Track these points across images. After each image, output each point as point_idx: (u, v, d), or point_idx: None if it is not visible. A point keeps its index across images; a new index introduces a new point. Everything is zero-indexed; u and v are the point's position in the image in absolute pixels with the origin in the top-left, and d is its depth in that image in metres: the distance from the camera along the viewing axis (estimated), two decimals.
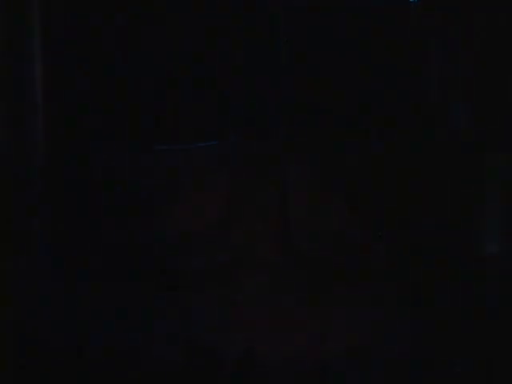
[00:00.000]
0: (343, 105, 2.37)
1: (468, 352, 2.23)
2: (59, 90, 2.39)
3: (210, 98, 2.41)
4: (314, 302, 2.27)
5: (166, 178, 2.35)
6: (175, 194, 2.36)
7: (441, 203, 2.34)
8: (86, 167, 2.36)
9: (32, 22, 2.36)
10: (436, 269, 2.32)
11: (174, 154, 2.36)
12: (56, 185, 2.36)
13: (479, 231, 2.31)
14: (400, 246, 2.33)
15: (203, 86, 2.42)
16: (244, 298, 2.31)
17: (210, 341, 2.15)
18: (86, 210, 2.31)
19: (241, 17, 2.39)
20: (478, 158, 2.29)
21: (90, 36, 2.40)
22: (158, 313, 2.26)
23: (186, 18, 2.44)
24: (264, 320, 2.22)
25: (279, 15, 2.32)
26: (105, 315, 2.24)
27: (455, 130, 2.33)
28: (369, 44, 2.38)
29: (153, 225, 2.31)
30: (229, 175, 2.31)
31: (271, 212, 2.35)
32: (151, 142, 2.45)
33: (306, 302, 2.27)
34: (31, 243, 2.31)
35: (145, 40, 2.42)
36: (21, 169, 2.30)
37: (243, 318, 2.24)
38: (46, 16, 2.39)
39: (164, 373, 2.08)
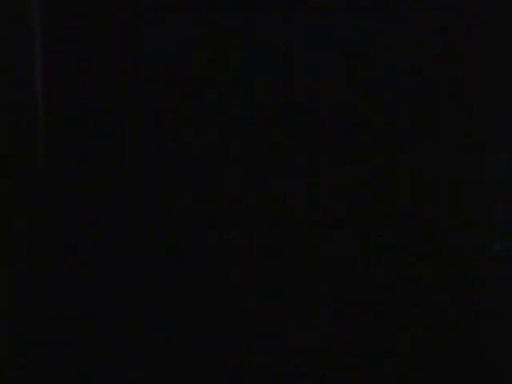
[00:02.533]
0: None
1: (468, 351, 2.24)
2: (59, 90, 2.40)
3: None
4: None
5: None
6: None
7: (440, 203, 2.35)
8: (87, 167, 2.37)
9: (32, 22, 2.36)
10: (436, 269, 2.32)
11: None
12: (57, 185, 2.37)
13: (479, 231, 2.31)
14: (399, 245, 2.34)
15: (203, 86, 2.42)
16: None
17: None
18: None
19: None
20: (478, 158, 2.30)
21: (90, 36, 2.40)
22: None
23: (186, 18, 2.45)
24: None
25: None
26: None
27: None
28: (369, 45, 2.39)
29: None
30: None
31: None
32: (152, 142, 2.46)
33: None
34: (32, 243, 2.32)
35: (145, 40, 2.42)
36: (21, 169, 2.31)
37: None
38: (46, 16, 2.40)
39: None
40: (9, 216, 2.25)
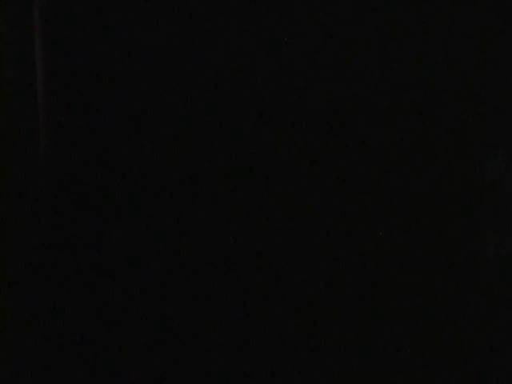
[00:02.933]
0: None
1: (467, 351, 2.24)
2: (59, 90, 2.40)
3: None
4: None
5: None
6: None
7: (440, 203, 2.35)
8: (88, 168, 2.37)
9: (32, 22, 2.36)
10: (436, 269, 2.32)
11: None
12: (57, 185, 2.37)
13: (479, 231, 2.31)
14: (399, 245, 2.34)
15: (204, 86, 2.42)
16: None
17: None
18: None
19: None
20: (478, 157, 2.29)
21: (90, 36, 2.40)
22: None
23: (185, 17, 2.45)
24: None
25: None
26: None
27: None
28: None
29: None
30: None
31: None
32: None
33: None
34: (32, 243, 2.32)
35: (145, 40, 2.42)
36: (21, 170, 2.31)
37: None
38: (46, 16, 2.40)
39: None
40: (9, 216, 2.25)
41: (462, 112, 2.33)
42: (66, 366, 2.29)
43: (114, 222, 2.35)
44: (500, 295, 2.27)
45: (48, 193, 2.35)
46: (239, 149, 2.38)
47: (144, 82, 2.40)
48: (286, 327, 2.30)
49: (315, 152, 2.35)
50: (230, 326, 2.32)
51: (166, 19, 2.40)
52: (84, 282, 2.33)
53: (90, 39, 2.40)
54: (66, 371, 2.29)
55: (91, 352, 2.30)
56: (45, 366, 2.26)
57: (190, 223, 2.34)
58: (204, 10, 2.38)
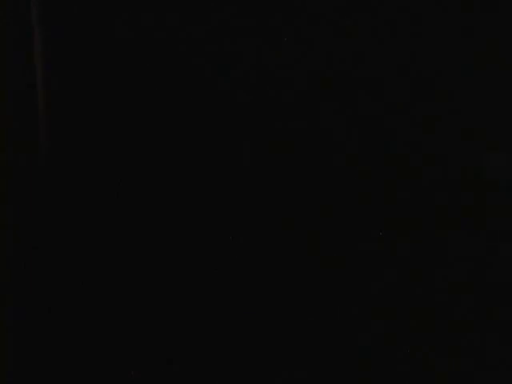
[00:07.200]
0: None
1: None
2: (59, 90, 2.40)
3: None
4: None
5: None
6: None
7: (441, 203, 2.35)
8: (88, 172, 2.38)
9: (32, 22, 2.36)
10: (436, 269, 2.33)
11: None
12: (57, 184, 2.37)
13: (479, 231, 2.32)
14: (399, 245, 2.34)
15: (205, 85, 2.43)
16: None
17: None
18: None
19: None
20: (478, 158, 2.30)
21: (90, 36, 2.40)
22: None
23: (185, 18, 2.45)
24: None
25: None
26: None
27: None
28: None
29: None
30: None
31: None
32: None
33: None
34: (32, 243, 2.32)
35: (146, 40, 2.42)
36: (21, 169, 2.31)
37: None
38: (45, 16, 2.40)
39: None
40: (9, 216, 2.25)
41: (462, 111, 2.33)
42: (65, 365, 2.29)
43: (113, 221, 2.36)
44: (500, 295, 2.28)
45: (47, 193, 2.35)
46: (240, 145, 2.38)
47: (144, 81, 2.40)
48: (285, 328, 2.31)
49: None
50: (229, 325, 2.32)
51: (165, 18, 2.40)
52: (83, 281, 2.33)
53: (89, 39, 2.40)
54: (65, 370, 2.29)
55: (90, 351, 2.30)
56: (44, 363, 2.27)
57: (188, 222, 2.35)
58: (202, 6, 2.39)
